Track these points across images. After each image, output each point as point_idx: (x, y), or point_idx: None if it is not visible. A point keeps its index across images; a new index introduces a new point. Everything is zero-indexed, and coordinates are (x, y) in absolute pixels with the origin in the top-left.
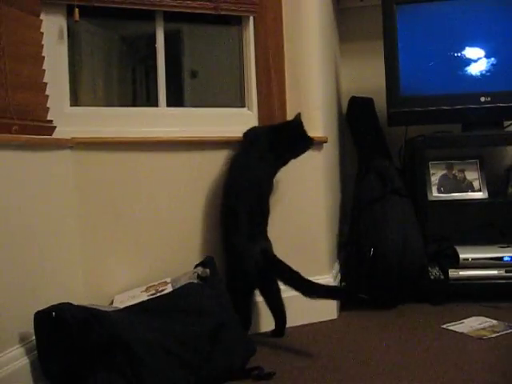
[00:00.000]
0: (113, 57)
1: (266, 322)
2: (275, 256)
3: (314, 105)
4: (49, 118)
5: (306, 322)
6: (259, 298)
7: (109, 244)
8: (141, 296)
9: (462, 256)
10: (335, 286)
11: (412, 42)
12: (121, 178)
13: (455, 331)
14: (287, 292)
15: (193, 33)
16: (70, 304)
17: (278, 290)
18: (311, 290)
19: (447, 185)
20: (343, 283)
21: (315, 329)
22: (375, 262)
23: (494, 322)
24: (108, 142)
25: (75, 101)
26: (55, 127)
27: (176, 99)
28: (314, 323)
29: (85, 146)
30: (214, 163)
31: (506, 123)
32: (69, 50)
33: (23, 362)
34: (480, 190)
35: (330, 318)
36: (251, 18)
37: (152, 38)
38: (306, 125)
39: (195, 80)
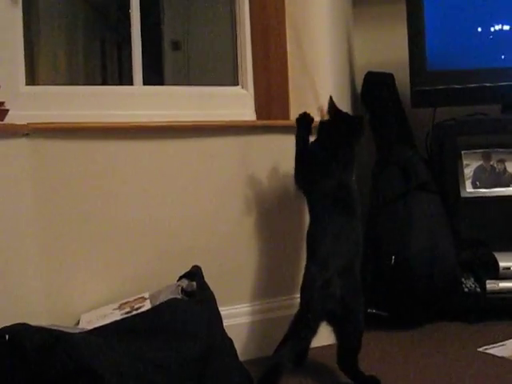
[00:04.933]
0: (78, 25)
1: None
2: None
3: (321, 82)
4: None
5: (315, 345)
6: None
7: (74, 252)
8: (113, 315)
9: (501, 264)
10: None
11: (441, 5)
12: (88, 172)
13: (494, 355)
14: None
15: None
16: (28, 325)
17: None
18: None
19: (484, 178)
20: None
21: (325, 353)
22: (397, 273)
23: None
24: (72, 129)
25: (32, 79)
26: (8, 110)
27: (155, 76)
28: (324, 346)
29: (44, 134)
30: (203, 154)
31: None
32: (24, 16)
33: None
34: None
35: None
36: None
37: (125, 3)
38: (311, 105)
39: (178, 53)
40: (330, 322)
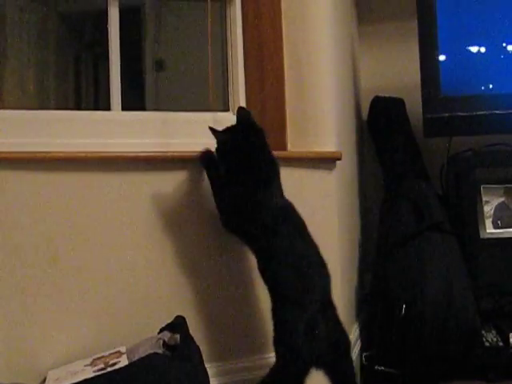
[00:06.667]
0: (49, 41)
1: None
2: None
3: (323, 108)
4: None
5: None
6: None
7: (40, 299)
8: (84, 372)
9: None
10: None
11: (457, 22)
12: (58, 209)
13: None
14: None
15: (159, 10)
16: None
17: None
18: None
19: (506, 217)
20: (365, 354)
21: None
22: (408, 324)
23: None
24: (41, 159)
25: None
26: None
27: (135, 100)
28: None
29: (8, 164)
30: (188, 189)
31: None
32: None
33: None
34: None
35: None
36: None
37: (103, 17)
38: (311, 134)
39: (161, 74)
40: (321, 367)
